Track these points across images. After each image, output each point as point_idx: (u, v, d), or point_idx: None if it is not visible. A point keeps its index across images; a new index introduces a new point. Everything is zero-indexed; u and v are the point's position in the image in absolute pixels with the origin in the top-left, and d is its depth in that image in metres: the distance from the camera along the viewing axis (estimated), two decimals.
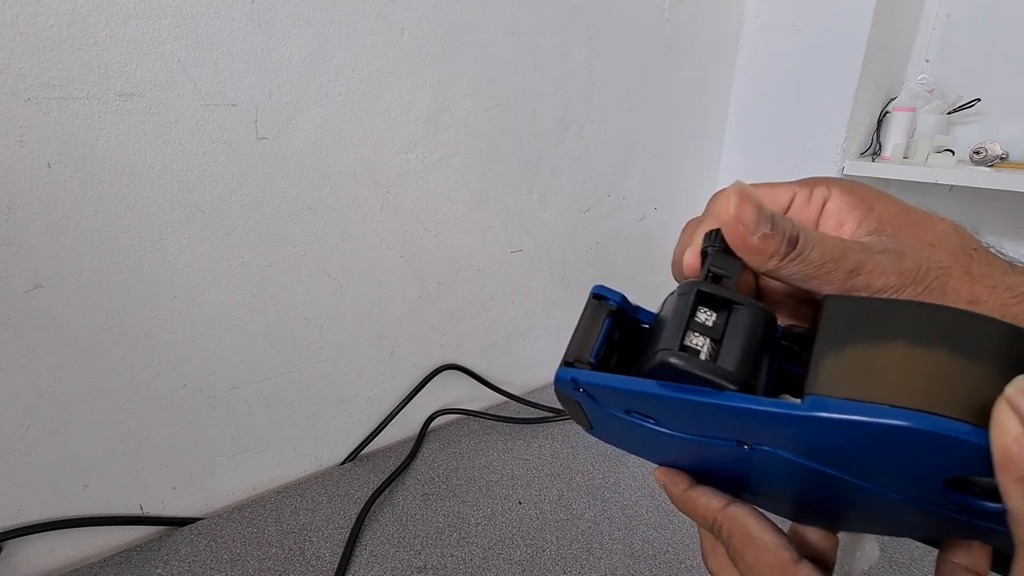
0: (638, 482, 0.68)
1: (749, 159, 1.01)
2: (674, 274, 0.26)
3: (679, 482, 0.26)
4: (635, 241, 0.94)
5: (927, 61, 0.94)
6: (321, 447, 0.69)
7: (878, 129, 0.93)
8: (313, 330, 0.63)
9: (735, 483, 0.24)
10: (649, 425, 0.23)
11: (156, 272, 0.51)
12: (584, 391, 0.24)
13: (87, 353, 0.50)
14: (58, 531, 0.52)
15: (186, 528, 0.59)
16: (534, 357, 0.88)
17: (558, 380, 0.25)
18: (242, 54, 0.50)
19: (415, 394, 0.74)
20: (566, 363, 0.24)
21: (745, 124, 1.00)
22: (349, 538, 0.57)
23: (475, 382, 0.80)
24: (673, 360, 0.20)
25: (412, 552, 0.56)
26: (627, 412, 0.23)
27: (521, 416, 0.80)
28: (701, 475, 0.26)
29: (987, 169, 0.80)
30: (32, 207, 0.44)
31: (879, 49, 0.86)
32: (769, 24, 0.93)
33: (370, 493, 0.63)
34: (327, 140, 0.57)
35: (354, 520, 0.59)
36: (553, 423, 0.79)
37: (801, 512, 0.25)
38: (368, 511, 0.61)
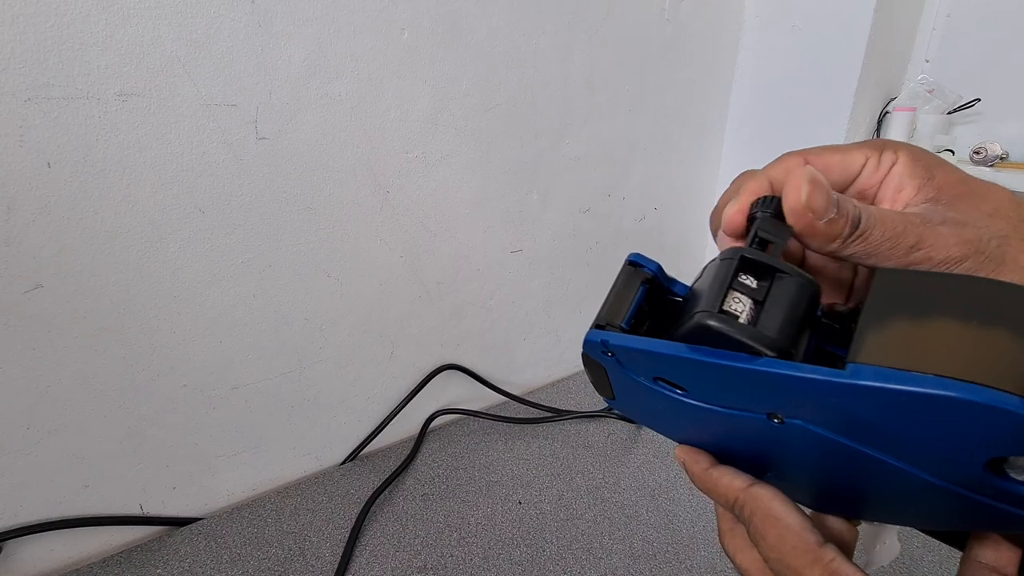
0: (638, 482, 0.68)
1: (749, 159, 1.01)
2: (711, 224, 0.25)
3: (701, 460, 0.25)
4: (635, 241, 0.94)
5: (927, 61, 0.94)
6: (321, 447, 0.69)
7: (878, 129, 0.93)
8: (313, 330, 0.63)
9: (758, 464, 0.24)
10: (677, 396, 0.22)
11: (156, 272, 0.51)
12: (612, 355, 0.23)
13: (87, 353, 0.50)
14: (58, 531, 0.52)
15: (186, 528, 0.59)
16: (534, 357, 0.88)
17: (587, 343, 0.24)
18: (242, 54, 0.50)
19: (415, 394, 0.74)
20: (597, 326, 0.24)
21: (745, 124, 1.00)
22: (349, 538, 0.57)
23: (475, 382, 0.80)
24: (712, 322, 0.19)
25: (412, 552, 0.56)
26: (655, 380, 0.22)
27: (521, 416, 0.80)
28: (723, 455, 0.25)
29: (987, 169, 0.80)
30: (32, 207, 0.44)
31: (879, 49, 0.85)
32: (769, 24, 0.93)
33: (370, 493, 0.63)
34: (327, 140, 0.57)
35: (354, 520, 0.59)
36: (553, 423, 0.79)
37: (823, 499, 0.24)
38: (368, 511, 0.61)
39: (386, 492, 0.65)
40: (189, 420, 0.58)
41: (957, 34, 0.90)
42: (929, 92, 0.87)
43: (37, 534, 0.51)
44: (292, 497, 0.64)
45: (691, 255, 1.07)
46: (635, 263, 0.25)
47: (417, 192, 0.65)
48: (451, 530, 0.59)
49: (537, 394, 0.87)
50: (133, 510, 0.57)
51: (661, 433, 0.28)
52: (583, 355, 0.25)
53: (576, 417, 0.80)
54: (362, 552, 0.56)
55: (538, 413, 0.81)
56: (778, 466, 0.23)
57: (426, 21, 0.60)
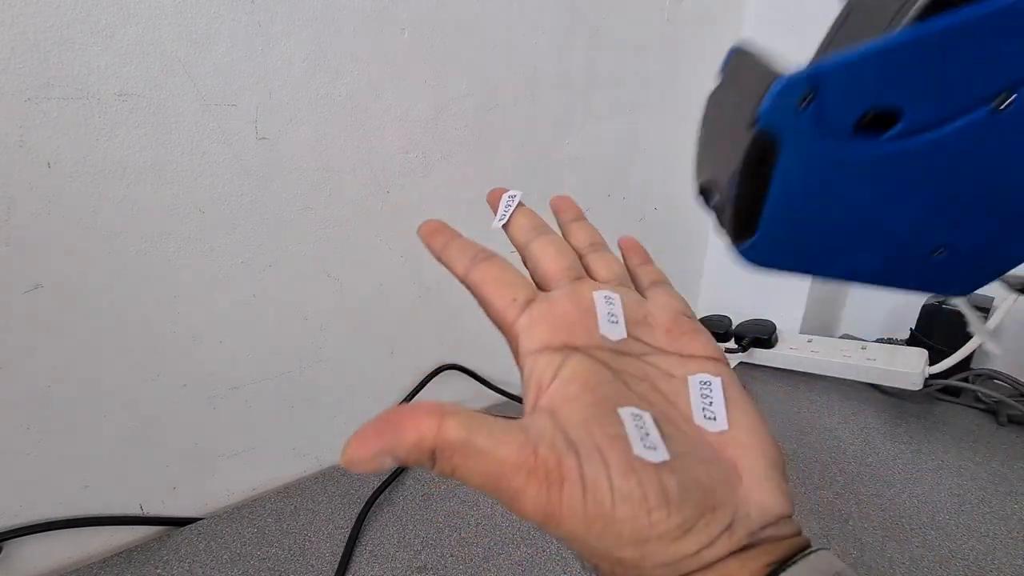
0: None
1: None
2: None
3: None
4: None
5: None
6: (321, 447, 0.69)
7: None
8: (313, 330, 0.63)
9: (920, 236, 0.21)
10: (883, 147, 0.18)
11: (156, 272, 0.51)
12: (813, 98, 0.18)
13: (87, 353, 0.50)
14: (58, 531, 0.52)
15: (186, 528, 0.59)
16: None
17: (775, 95, 0.18)
18: (242, 54, 0.50)
19: (415, 394, 0.74)
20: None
21: None
22: (349, 538, 0.57)
23: (475, 382, 0.80)
24: None
25: (412, 552, 0.56)
26: (858, 124, 0.18)
27: (521, 416, 0.80)
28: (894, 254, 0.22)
29: None
30: (32, 207, 0.44)
31: None
32: (769, 24, 0.93)
33: (370, 493, 0.63)
34: (327, 140, 0.57)
35: (354, 520, 0.59)
36: None
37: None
38: (368, 511, 0.61)
39: (386, 492, 0.65)
40: (189, 420, 0.58)
41: None
42: None
43: (37, 534, 0.51)
44: (292, 497, 0.64)
45: (691, 255, 1.07)
46: None
47: (417, 192, 0.65)
48: (451, 530, 0.59)
49: None
50: (133, 510, 0.57)
51: (824, 272, 0.23)
52: (761, 126, 0.20)
53: None
54: (362, 552, 0.56)
55: None
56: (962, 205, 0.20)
57: (426, 21, 0.60)
